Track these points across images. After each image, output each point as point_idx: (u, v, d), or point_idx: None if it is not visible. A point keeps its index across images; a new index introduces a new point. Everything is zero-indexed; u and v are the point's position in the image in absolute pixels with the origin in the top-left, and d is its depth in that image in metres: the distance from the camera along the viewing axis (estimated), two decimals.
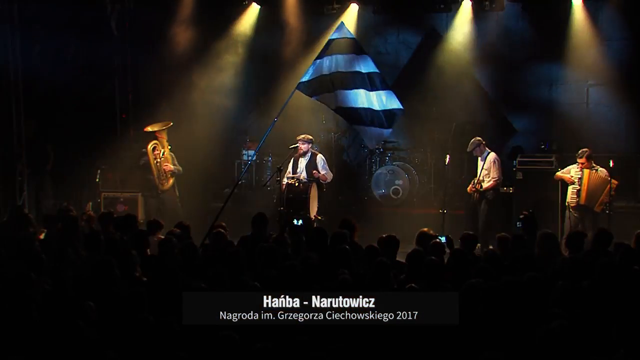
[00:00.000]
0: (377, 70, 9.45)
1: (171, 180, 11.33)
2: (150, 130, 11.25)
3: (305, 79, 9.37)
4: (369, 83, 9.36)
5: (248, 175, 13.11)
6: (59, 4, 11.94)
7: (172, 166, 11.24)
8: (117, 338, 5.08)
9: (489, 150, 10.96)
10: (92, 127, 12.52)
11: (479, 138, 11.06)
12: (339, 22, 9.99)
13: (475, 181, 10.77)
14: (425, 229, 7.85)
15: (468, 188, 10.91)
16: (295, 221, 10.19)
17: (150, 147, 11.11)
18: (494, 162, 10.83)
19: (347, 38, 9.57)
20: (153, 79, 13.06)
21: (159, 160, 11.14)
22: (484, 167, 10.83)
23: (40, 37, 12.03)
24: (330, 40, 9.51)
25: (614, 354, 4.76)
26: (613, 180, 10.09)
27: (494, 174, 10.79)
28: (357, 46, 9.54)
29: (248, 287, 5.87)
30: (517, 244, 7.46)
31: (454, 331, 5.19)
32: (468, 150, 11.07)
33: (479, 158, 10.93)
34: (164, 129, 11.27)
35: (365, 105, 9.35)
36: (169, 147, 11.31)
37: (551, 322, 4.95)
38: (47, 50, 12.12)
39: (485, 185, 10.76)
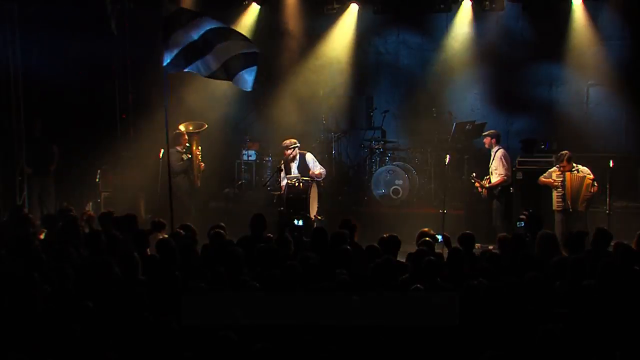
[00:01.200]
0: (222, 25, 9.26)
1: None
2: (185, 130, 11.48)
3: (167, 60, 8.94)
4: (224, 36, 9.12)
5: (248, 176, 13.11)
6: (59, 4, 11.93)
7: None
8: (117, 338, 5.07)
9: (499, 147, 11.01)
10: (92, 127, 12.51)
11: (493, 131, 11.16)
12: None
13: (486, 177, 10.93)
14: (426, 229, 7.85)
15: (476, 184, 10.98)
16: (295, 221, 10.20)
17: (194, 147, 11.47)
18: (501, 158, 10.90)
19: (179, 10, 9.23)
20: (153, 79, 13.03)
21: (199, 160, 11.47)
22: (492, 163, 10.92)
23: (40, 37, 12.02)
24: (165, 19, 8.99)
25: (613, 355, 4.76)
26: (588, 177, 10.06)
27: (501, 170, 10.86)
28: (192, 13, 9.34)
29: (248, 287, 5.86)
30: (517, 244, 7.45)
31: (454, 331, 5.19)
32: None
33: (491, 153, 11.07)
34: (200, 131, 11.52)
35: (232, 54, 9.08)
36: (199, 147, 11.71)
37: (551, 323, 4.95)
38: (47, 50, 12.11)
39: (493, 180, 10.87)
